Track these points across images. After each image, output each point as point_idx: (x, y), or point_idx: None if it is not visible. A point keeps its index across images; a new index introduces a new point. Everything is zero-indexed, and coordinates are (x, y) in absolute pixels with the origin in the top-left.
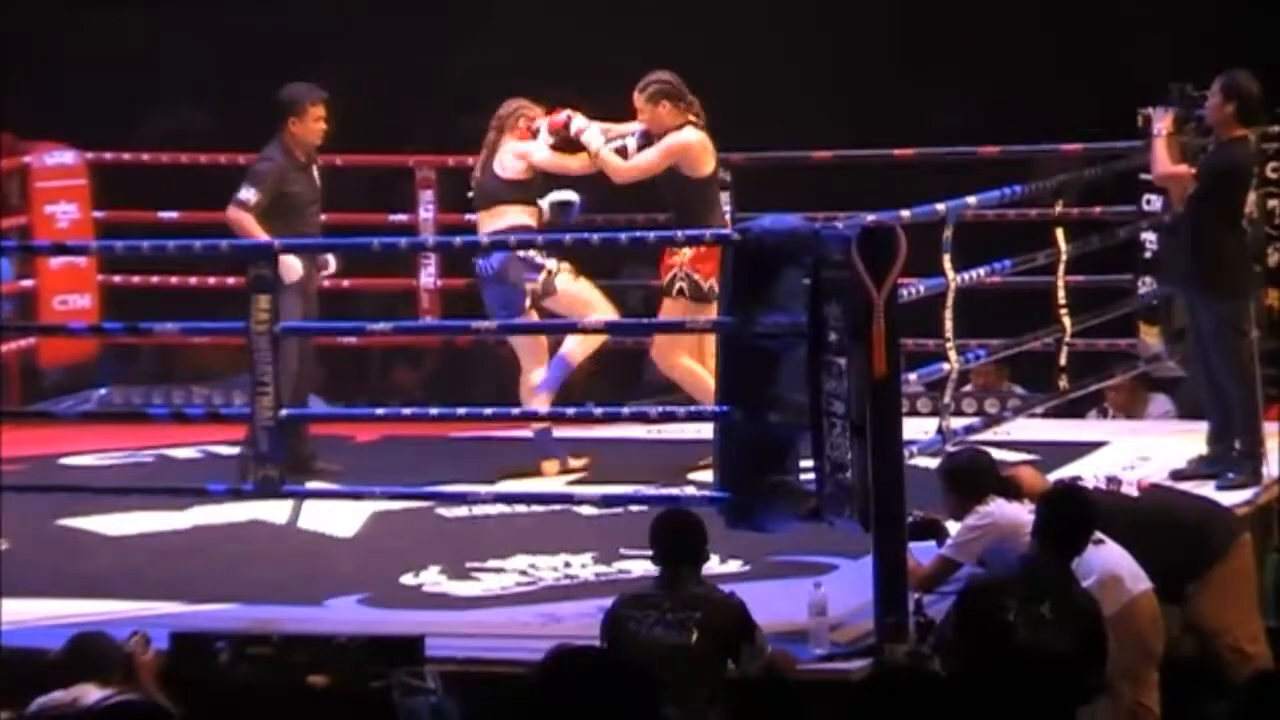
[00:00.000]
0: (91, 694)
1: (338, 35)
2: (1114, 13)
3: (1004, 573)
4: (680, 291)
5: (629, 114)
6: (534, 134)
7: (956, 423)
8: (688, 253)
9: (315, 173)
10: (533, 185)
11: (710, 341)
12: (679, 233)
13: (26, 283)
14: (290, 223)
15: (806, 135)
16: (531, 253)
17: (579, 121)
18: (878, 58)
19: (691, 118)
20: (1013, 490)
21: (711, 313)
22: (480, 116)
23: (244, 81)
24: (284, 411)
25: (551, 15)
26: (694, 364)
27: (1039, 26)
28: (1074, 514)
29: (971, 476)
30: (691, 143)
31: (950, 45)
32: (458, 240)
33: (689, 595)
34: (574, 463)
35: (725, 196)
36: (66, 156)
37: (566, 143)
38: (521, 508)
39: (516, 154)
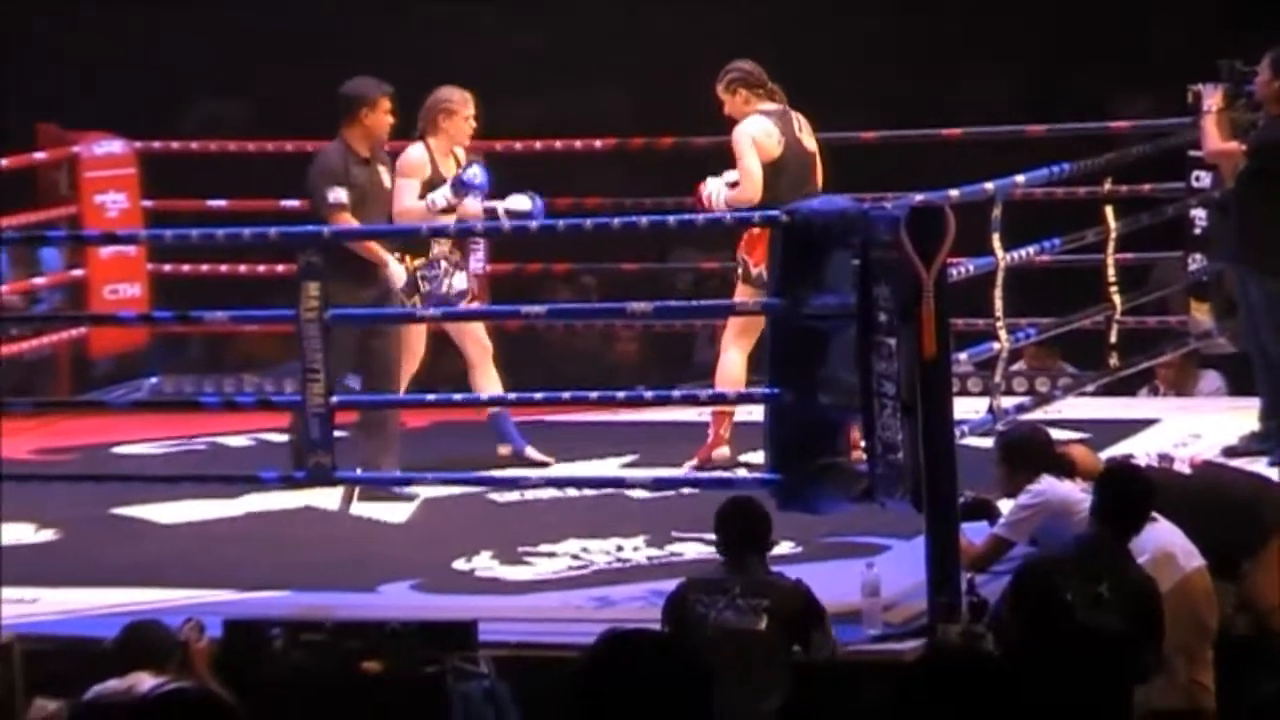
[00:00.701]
0: (146, 682)
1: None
2: None
3: (1061, 551)
4: (736, 274)
5: (661, 95)
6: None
7: (1007, 402)
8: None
9: (379, 165)
10: None
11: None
12: (727, 215)
13: (76, 272)
14: (355, 216)
15: (847, 117)
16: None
17: (713, 192)
18: (915, 37)
19: (762, 105)
20: (1065, 468)
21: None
22: (524, 101)
23: (281, 72)
24: (334, 398)
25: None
26: (739, 356)
27: (1082, 2)
28: (1132, 493)
29: (1027, 451)
30: (749, 132)
31: (991, 23)
32: (506, 225)
33: (758, 581)
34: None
35: None
36: (115, 146)
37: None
38: (573, 492)
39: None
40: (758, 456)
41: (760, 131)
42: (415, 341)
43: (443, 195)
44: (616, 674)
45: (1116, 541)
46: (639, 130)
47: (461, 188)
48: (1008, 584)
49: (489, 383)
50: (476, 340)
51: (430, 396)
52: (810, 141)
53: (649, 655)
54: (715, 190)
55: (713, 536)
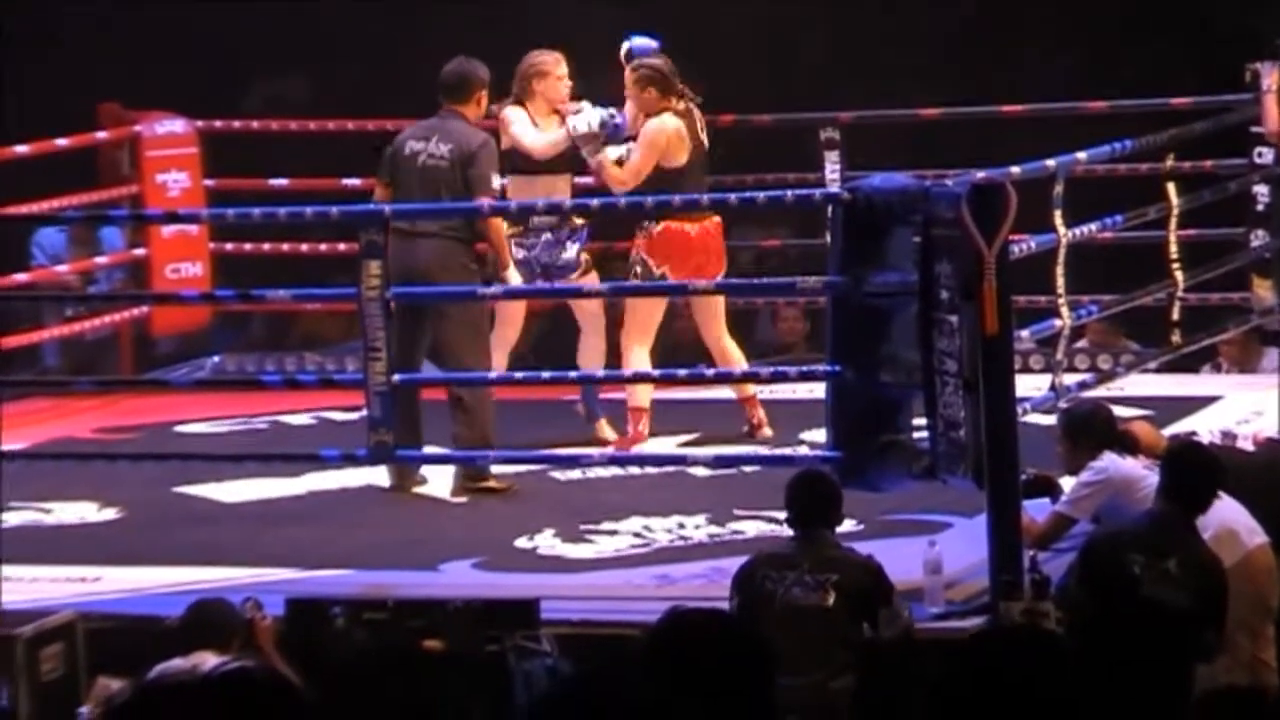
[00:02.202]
0: (210, 661)
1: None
2: None
3: (1130, 526)
4: (635, 274)
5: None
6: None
7: (1069, 379)
8: (641, 240)
9: None
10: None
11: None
12: (788, 193)
13: (139, 252)
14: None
15: (908, 93)
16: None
17: (584, 122)
18: (976, 12)
19: (673, 106)
20: (1127, 445)
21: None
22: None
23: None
24: (396, 377)
25: None
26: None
27: None
28: (1200, 470)
29: (1090, 428)
30: (666, 130)
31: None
32: (567, 203)
33: (828, 557)
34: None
35: (834, 155)
36: (176, 125)
37: None
38: (635, 469)
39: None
40: (819, 434)
41: (676, 134)
42: (513, 312)
43: (585, 121)
44: (680, 652)
45: (1184, 519)
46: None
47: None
48: (1075, 556)
49: (590, 353)
50: (582, 309)
51: (491, 374)
52: (705, 139)
53: (712, 634)
54: (587, 122)
55: (774, 514)
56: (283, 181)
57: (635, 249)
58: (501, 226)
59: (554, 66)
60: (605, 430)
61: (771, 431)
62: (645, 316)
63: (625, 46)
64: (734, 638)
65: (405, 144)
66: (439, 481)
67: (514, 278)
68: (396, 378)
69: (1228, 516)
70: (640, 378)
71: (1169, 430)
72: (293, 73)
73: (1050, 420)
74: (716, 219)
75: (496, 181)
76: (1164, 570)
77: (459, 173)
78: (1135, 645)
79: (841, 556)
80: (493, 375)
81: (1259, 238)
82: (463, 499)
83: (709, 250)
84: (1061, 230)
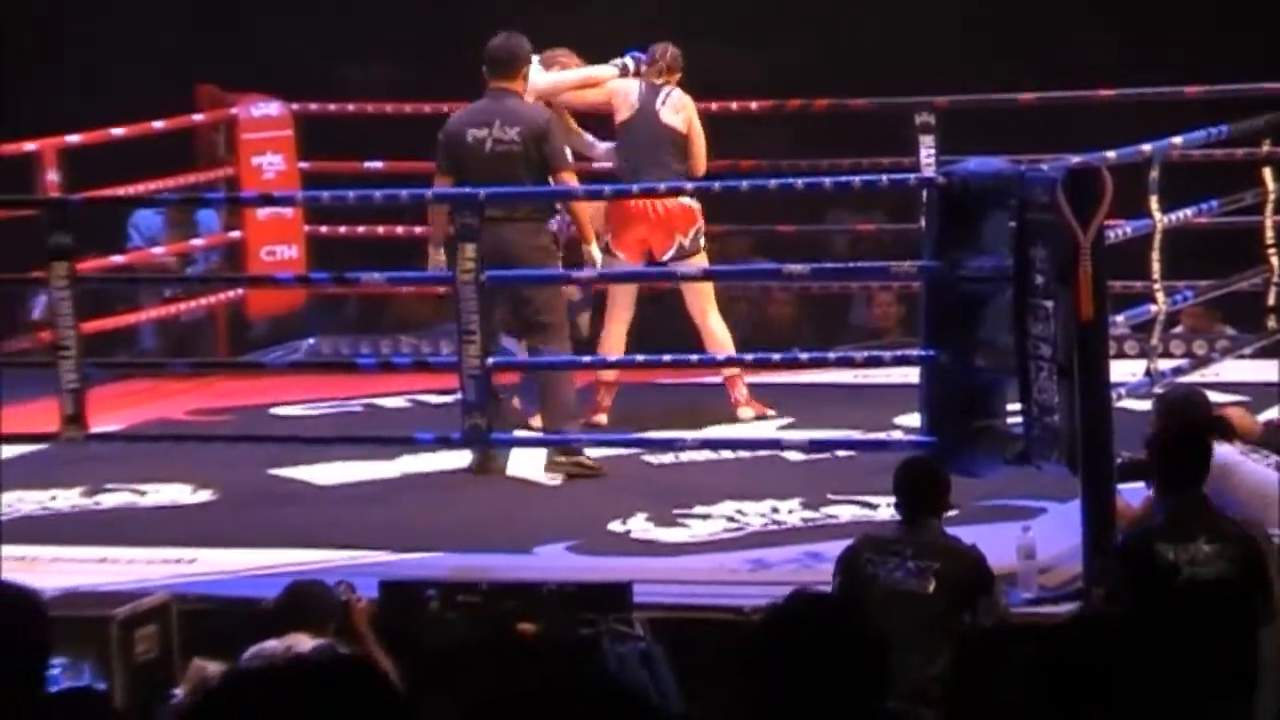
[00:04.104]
0: (304, 643)
1: None
2: None
3: (1150, 523)
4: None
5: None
6: None
7: (1164, 364)
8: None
9: None
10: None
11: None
12: (883, 177)
13: (234, 234)
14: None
15: (1002, 77)
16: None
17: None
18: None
19: (637, 75)
20: (1223, 431)
21: None
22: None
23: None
24: (489, 360)
25: None
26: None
27: None
28: (1182, 453)
29: (1183, 413)
30: (602, 73)
31: None
32: (662, 186)
33: (932, 544)
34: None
35: (929, 139)
36: (272, 108)
37: None
38: (728, 454)
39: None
40: (913, 419)
41: (616, 90)
42: (625, 290)
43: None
44: (801, 634)
45: (1192, 500)
46: (794, 91)
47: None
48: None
49: (611, 341)
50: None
51: (585, 359)
52: (673, 118)
53: (832, 617)
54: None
55: (868, 498)
56: (378, 164)
57: (686, 218)
58: (585, 208)
59: (569, 61)
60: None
61: (752, 411)
62: (620, 293)
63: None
64: (854, 623)
65: (465, 131)
66: (530, 462)
67: (596, 253)
68: (490, 360)
69: (1261, 479)
70: (734, 361)
71: (1264, 416)
72: (388, 55)
73: (1145, 406)
74: (681, 201)
75: (569, 153)
76: (1196, 553)
77: (533, 153)
78: (1187, 624)
79: (945, 545)
80: (613, 358)
81: None
82: (556, 480)
83: (653, 223)
84: (1157, 215)
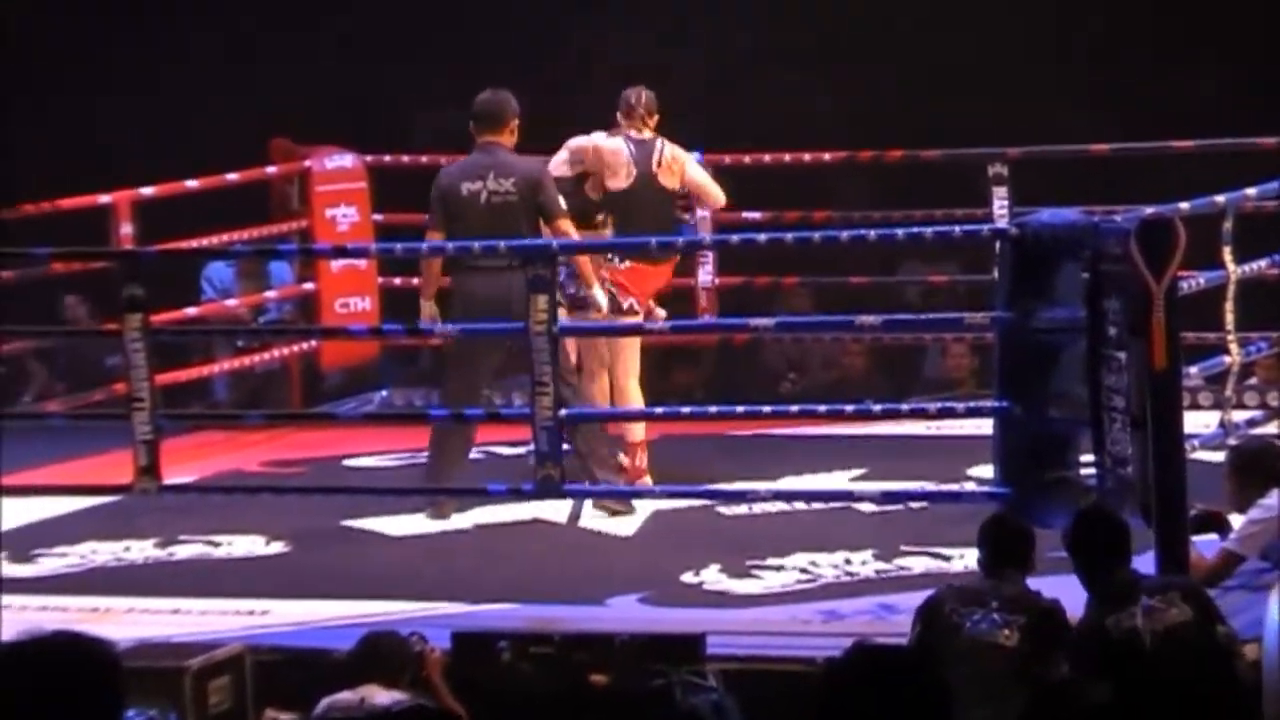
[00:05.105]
0: (378, 695)
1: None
2: None
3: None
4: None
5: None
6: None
7: (1238, 416)
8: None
9: None
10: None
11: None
12: (956, 228)
13: (308, 285)
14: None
15: (1075, 129)
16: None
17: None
18: (1142, 43)
19: (626, 131)
20: None
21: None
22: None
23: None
24: (563, 411)
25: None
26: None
27: None
28: (1103, 534)
29: (1259, 465)
30: (591, 144)
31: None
32: (734, 238)
33: (1016, 598)
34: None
35: (1002, 191)
36: (345, 160)
37: None
38: (801, 505)
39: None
40: (986, 470)
41: (609, 152)
42: (635, 351)
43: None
44: (861, 686)
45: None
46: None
47: None
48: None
49: (631, 396)
50: (598, 349)
51: (658, 410)
52: (671, 181)
53: (895, 669)
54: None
55: (940, 550)
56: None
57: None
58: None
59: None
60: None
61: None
62: (634, 350)
63: None
64: (917, 674)
65: (459, 186)
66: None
67: (600, 296)
68: (564, 412)
69: None
70: (807, 413)
71: None
72: (460, 105)
73: (1219, 457)
74: (674, 259)
75: (563, 202)
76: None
77: (530, 204)
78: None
79: (1029, 599)
80: (659, 410)
81: None
82: (622, 530)
83: (658, 285)
84: (1231, 266)
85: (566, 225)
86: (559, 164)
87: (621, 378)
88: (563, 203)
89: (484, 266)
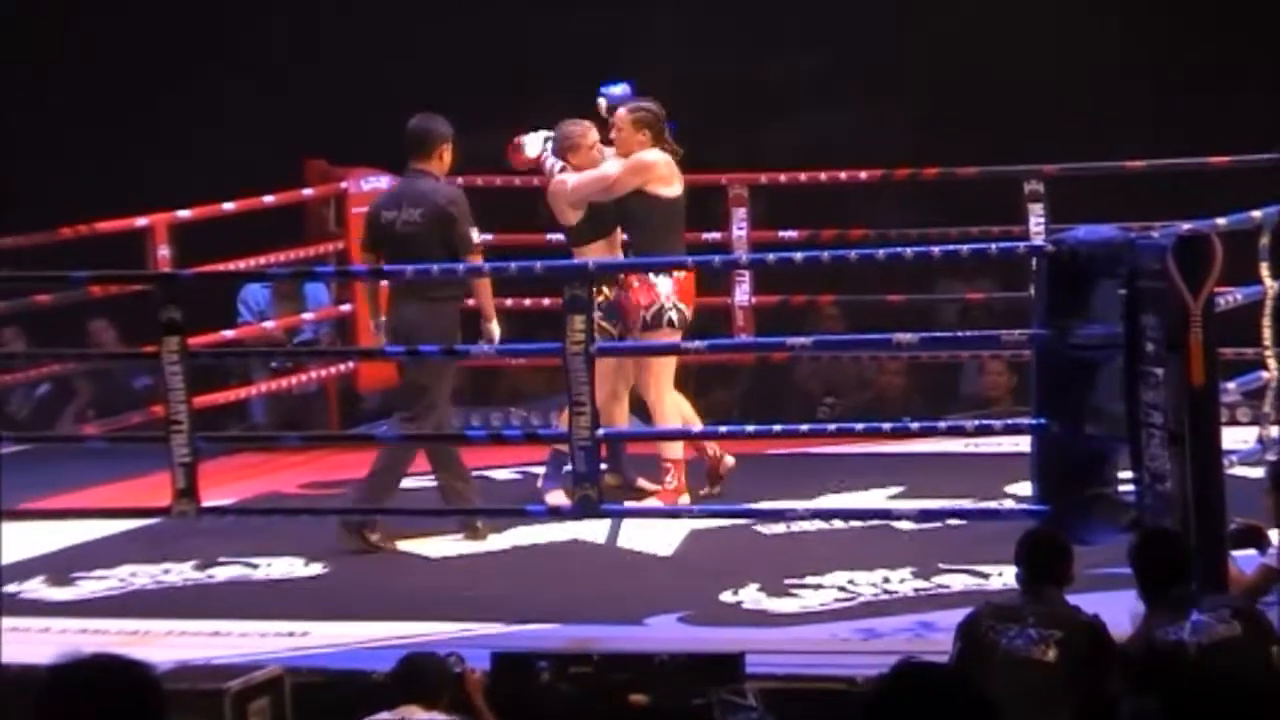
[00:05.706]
0: (418, 715)
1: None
2: None
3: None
4: (670, 323)
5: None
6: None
7: (1276, 431)
8: (668, 284)
9: None
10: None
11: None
12: (992, 245)
13: (345, 307)
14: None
15: (1111, 145)
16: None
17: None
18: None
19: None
20: None
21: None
22: (794, 128)
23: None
24: (600, 431)
25: (868, 16)
26: (676, 398)
27: None
28: (1161, 558)
29: None
30: (657, 160)
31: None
32: (771, 257)
33: (1055, 614)
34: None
35: (1039, 207)
36: (381, 181)
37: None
38: (839, 523)
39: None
40: (1024, 488)
41: (666, 165)
42: (671, 366)
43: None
44: (908, 704)
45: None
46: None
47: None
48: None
49: (671, 412)
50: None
51: (695, 429)
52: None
53: (941, 688)
54: (537, 147)
55: (979, 568)
56: (487, 236)
57: (658, 295)
58: (488, 284)
59: (582, 138)
60: (644, 483)
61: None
62: (668, 367)
63: (601, 100)
64: (963, 693)
65: (380, 212)
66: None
67: (495, 330)
68: (601, 432)
69: None
70: (844, 432)
71: None
72: (492, 126)
73: (1258, 473)
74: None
75: (476, 235)
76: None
77: (436, 236)
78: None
79: (1068, 615)
80: (696, 429)
81: None
82: (661, 549)
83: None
84: (1268, 282)
85: (476, 259)
86: (627, 174)
87: (653, 396)
88: (475, 235)
89: (402, 290)
